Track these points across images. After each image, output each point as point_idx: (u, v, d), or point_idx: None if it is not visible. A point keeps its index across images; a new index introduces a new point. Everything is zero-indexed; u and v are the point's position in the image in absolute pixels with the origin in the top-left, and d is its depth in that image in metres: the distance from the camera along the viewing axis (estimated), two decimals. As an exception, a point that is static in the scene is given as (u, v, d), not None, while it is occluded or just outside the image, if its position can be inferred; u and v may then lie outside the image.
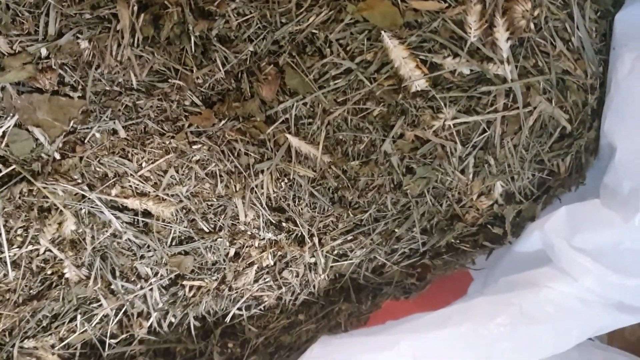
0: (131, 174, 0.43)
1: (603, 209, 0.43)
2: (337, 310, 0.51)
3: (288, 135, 0.43)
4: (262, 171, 0.44)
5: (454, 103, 0.42)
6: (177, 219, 0.45)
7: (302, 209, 0.46)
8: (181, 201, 0.44)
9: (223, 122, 0.43)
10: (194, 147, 0.43)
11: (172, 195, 0.44)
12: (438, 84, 0.42)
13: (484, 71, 0.41)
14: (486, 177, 0.45)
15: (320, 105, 0.42)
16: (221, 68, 0.41)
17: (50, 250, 0.45)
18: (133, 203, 0.44)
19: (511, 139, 0.44)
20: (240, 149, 0.43)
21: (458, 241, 0.48)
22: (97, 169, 0.43)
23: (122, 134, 0.43)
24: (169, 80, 0.42)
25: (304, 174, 0.44)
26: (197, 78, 0.42)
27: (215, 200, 0.45)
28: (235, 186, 0.44)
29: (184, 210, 0.45)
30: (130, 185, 0.44)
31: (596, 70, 0.44)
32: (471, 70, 0.42)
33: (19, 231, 0.44)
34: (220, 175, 0.44)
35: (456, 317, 0.43)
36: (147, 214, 0.45)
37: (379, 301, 0.52)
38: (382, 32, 0.40)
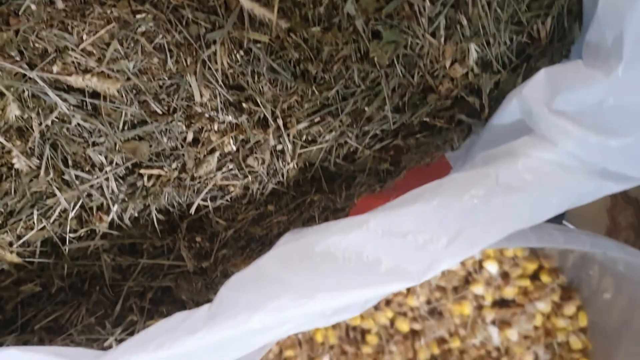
0: (72, 48, 0.40)
1: (586, 69, 0.39)
2: (309, 202, 0.48)
3: (239, -2, 0.39)
4: (214, 41, 0.41)
5: (418, -49, 0.38)
6: (127, 100, 0.42)
7: (262, 86, 0.43)
8: (128, 79, 0.41)
9: (167, -14, 0.39)
10: (138, 16, 0.40)
11: (118, 71, 0.41)
12: None
13: None
14: (459, 40, 0.42)
15: (272, -39, 0.39)
16: None
17: (-4, 140, 0.42)
18: (77, 81, 0.41)
19: (484, -6, 0.40)
20: (188, 17, 0.40)
21: (432, 117, 0.45)
22: (36, 44, 0.40)
23: (60, 4, 0.39)
24: (105, -61, 0.38)
25: (259, 38, 0.40)
26: (135, -64, 0.38)
27: (166, 78, 0.42)
28: (186, 60, 0.41)
29: (134, 91, 0.42)
30: (73, 61, 0.41)
31: None
32: None
33: (-39, 120, 0.41)
34: (170, 49, 0.41)
35: (428, 193, 0.40)
36: (94, 95, 0.42)
37: (353, 192, 0.49)
38: None
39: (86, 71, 0.41)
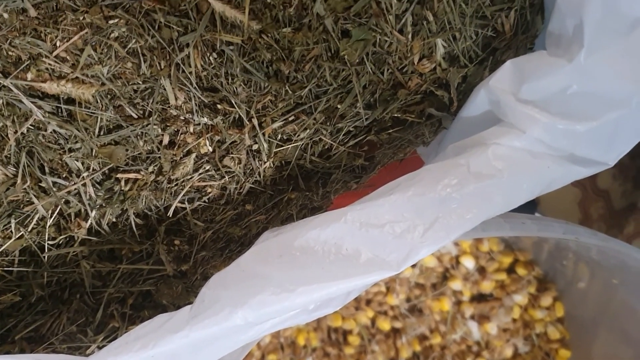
0: (46, 55, 0.40)
1: (550, 58, 0.41)
2: (286, 200, 0.49)
3: (210, 0, 0.40)
4: (187, 44, 0.41)
5: (384, -50, 0.40)
6: (102, 105, 0.43)
7: (236, 87, 0.44)
8: (103, 84, 0.42)
9: (139, -10, 0.40)
10: (111, 22, 0.40)
11: (93, 77, 0.41)
12: None
13: None
14: (426, 36, 0.43)
15: (241, -36, 0.39)
16: None
17: (-29, 150, 0.42)
18: (51, 87, 0.41)
19: (449, -10, 0.41)
20: (160, 21, 0.40)
21: (403, 112, 0.46)
22: (10, 52, 0.40)
23: (32, 12, 0.40)
24: (75, -54, 0.38)
25: (231, 40, 0.41)
26: (106, -58, 0.39)
27: (140, 82, 0.42)
28: (159, 63, 0.41)
29: (109, 96, 0.43)
30: (47, 68, 0.41)
31: None
32: None
33: None
34: (143, 54, 0.41)
35: (403, 184, 0.41)
36: (69, 101, 0.42)
37: (330, 189, 0.50)
38: None
39: (60, 77, 0.41)
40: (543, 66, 0.40)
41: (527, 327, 0.71)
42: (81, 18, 0.40)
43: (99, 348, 0.48)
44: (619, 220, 0.80)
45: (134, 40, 0.41)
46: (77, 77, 0.41)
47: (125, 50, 0.41)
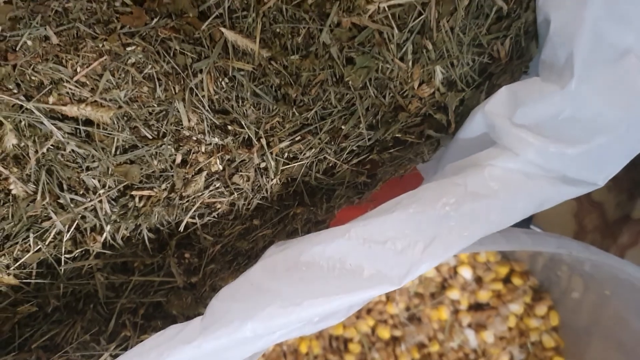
0: (67, 80, 0.43)
1: (543, 84, 0.43)
2: (292, 215, 0.51)
3: (223, 29, 0.42)
4: (201, 70, 0.43)
5: (387, -16, 0.42)
6: (118, 126, 0.45)
7: (246, 109, 0.46)
8: (120, 107, 0.44)
9: (155, 20, 0.42)
10: (128, 49, 0.42)
11: (111, 100, 0.44)
12: (368, -35, 0.42)
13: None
14: (425, 63, 0.45)
15: (253, -4, 0.42)
16: (148, -37, 0.41)
17: (-6, 168, 0.45)
18: (71, 110, 0.43)
19: (447, 20, 0.44)
20: (175, 48, 0.43)
21: (404, 133, 0.48)
22: (32, 77, 0.43)
23: (54, 40, 0.42)
24: (96, -22, 0.41)
25: (242, 67, 0.43)
26: (125, -25, 0.41)
27: (155, 105, 0.45)
28: (174, 88, 0.44)
29: (125, 118, 0.45)
30: (67, 92, 0.43)
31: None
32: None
33: (-40, 150, 0.44)
34: (158, 79, 0.44)
35: (404, 202, 0.43)
36: (88, 122, 0.45)
37: (333, 204, 0.52)
38: None
39: (80, 101, 0.43)
40: (536, 92, 0.42)
41: (522, 336, 0.73)
42: (100, 45, 0.42)
43: (112, 356, 0.50)
44: (613, 231, 0.81)
45: (150, 66, 0.43)
46: (96, 101, 0.43)
47: (142, 75, 0.43)
